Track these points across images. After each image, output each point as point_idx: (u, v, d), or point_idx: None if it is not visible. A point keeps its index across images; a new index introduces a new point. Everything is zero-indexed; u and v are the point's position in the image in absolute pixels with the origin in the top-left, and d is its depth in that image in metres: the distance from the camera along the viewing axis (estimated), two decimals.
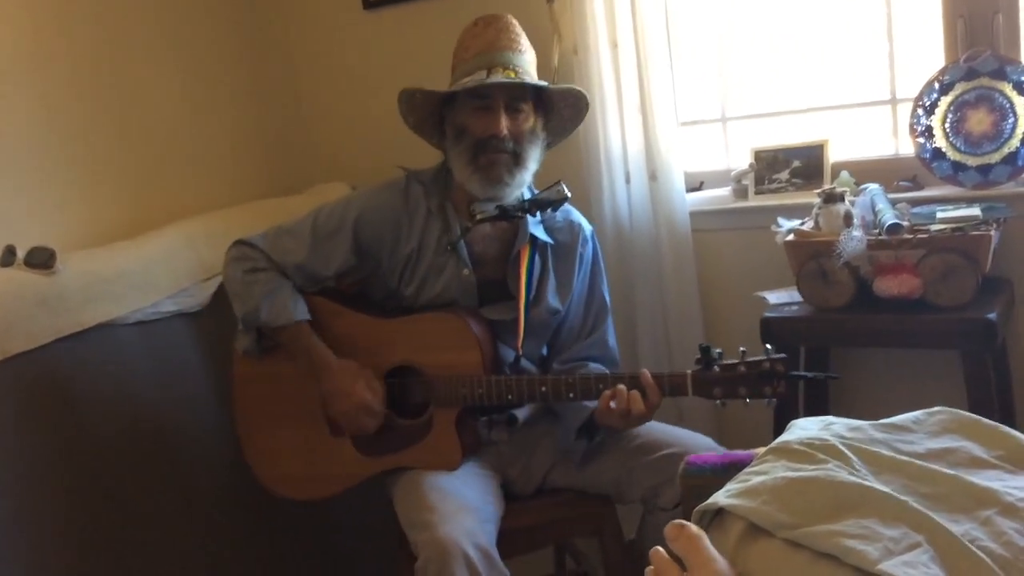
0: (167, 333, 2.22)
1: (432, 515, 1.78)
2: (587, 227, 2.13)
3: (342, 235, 2.03)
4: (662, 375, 1.84)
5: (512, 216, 1.95)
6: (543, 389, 1.90)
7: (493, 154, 1.92)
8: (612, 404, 1.83)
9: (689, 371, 1.82)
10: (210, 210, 2.50)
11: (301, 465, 2.06)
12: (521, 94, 1.93)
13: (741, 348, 1.81)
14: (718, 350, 1.82)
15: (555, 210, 1.99)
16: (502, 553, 1.82)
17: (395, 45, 2.81)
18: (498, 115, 1.91)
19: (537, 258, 2.04)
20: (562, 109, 2.04)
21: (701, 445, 1.95)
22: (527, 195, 2.02)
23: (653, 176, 2.44)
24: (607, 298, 2.15)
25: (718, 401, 1.82)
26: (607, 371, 2.02)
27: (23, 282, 1.93)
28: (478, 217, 1.92)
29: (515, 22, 2.01)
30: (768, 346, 1.82)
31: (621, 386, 1.83)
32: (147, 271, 2.16)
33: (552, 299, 2.05)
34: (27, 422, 1.92)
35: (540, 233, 2.04)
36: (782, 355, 1.78)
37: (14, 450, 1.89)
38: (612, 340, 2.14)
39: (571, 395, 1.89)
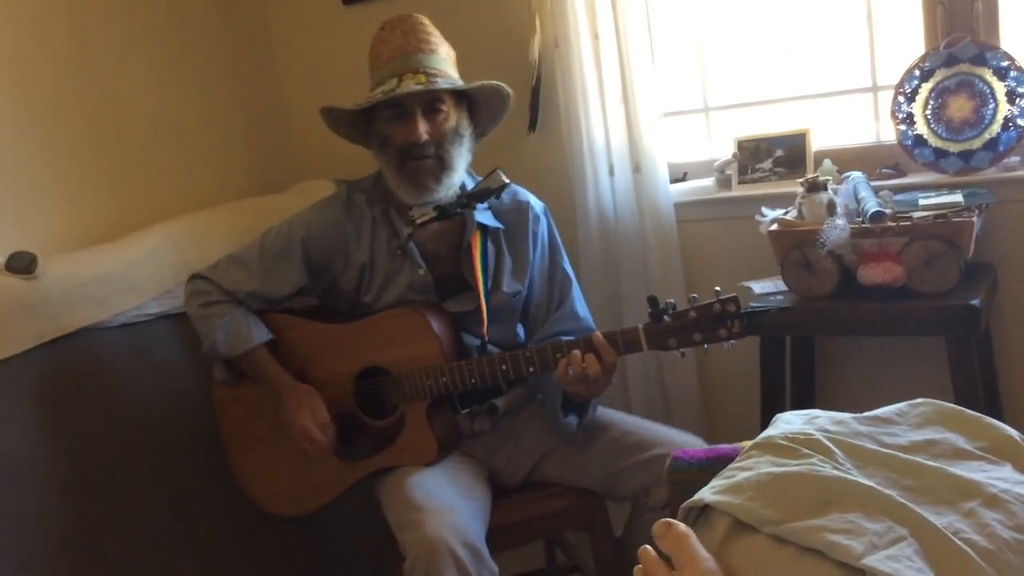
0: (152, 335, 2.21)
1: (418, 514, 1.78)
2: (536, 204, 2.12)
3: (292, 257, 2.05)
4: (615, 333, 1.84)
5: (452, 214, 1.95)
6: (503, 367, 1.90)
7: (416, 160, 1.92)
8: (569, 371, 1.82)
9: (640, 325, 1.82)
10: (193, 210, 2.48)
11: (288, 482, 2.07)
12: (436, 96, 1.92)
13: (692, 295, 1.81)
14: (669, 300, 1.81)
15: (497, 197, 1.98)
16: (492, 548, 1.82)
17: None
18: (415, 121, 1.90)
19: (490, 244, 2.04)
20: (486, 100, 2.02)
21: (691, 444, 1.95)
22: (470, 185, 2.02)
23: (637, 168, 2.44)
24: (568, 270, 2.14)
25: (678, 351, 1.81)
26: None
27: (4, 288, 1.92)
28: (418, 221, 1.92)
29: (423, 21, 1.99)
30: (717, 288, 1.80)
31: (575, 351, 1.83)
32: (130, 273, 2.15)
33: (511, 280, 2.05)
34: (12, 428, 1.90)
35: (488, 219, 2.04)
36: (732, 295, 1.77)
37: (0, 456, 1.88)
38: (582, 310, 2.13)
39: (531, 369, 1.89)
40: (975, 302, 1.94)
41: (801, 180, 2.18)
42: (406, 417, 1.98)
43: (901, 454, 1.00)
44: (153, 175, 2.50)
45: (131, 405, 2.15)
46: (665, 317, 1.79)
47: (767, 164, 2.44)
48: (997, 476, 0.96)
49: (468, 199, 1.95)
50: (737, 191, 2.46)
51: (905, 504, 0.91)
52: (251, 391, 2.08)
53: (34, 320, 1.95)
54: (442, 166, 1.94)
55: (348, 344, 2.02)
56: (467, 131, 1.99)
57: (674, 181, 2.53)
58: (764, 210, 2.25)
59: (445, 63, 1.97)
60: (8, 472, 1.89)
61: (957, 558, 0.86)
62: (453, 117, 1.96)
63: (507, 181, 1.94)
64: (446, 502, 1.82)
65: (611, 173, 2.47)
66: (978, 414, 1.06)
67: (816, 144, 2.41)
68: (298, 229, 2.06)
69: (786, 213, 2.20)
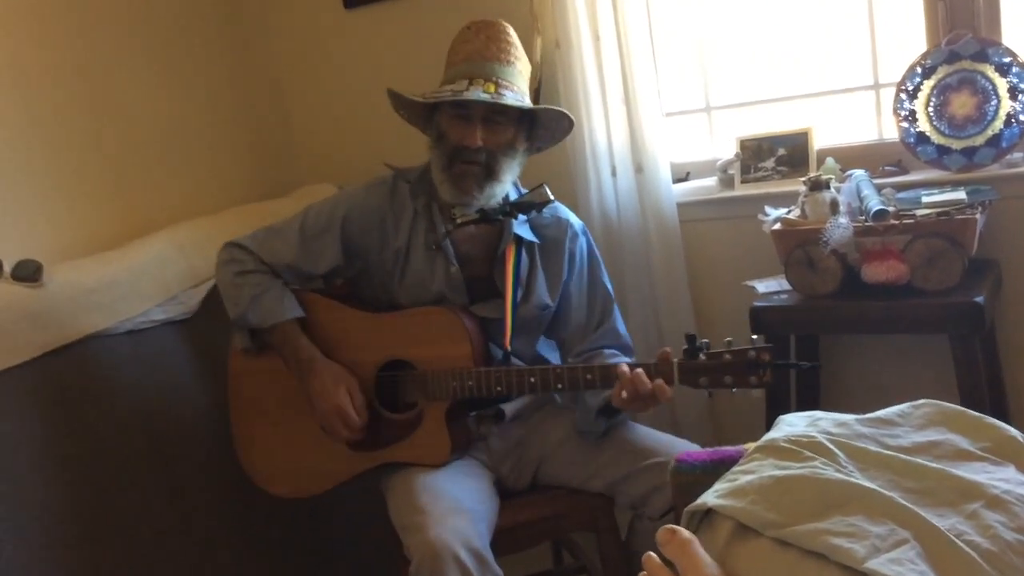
0: (157, 341, 2.22)
1: (423, 517, 1.78)
2: (576, 223, 2.13)
3: (330, 235, 2.05)
4: (649, 365, 1.83)
5: (493, 220, 1.96)
6: (532, 380, 1.90)
7: (465, 164, 1.93)
8: (623, 394, 1.80)
9: (675, 360, 1.81)
10: (197, 216, 2.49)
11: (292, 461, 2.06)
12: (500, 108, 1.92)
13: (727, 338, 1.80)
14: (704, 340, 1.81)
15: (539, 212, 2.00)
16: (499, 550, 1.83)
17: (377, 43, 2.80)
18: (474, 126, 1.91)
19: (525, 256, 2.05)
20: (547, 122, 2.02)
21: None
22: (513, 195, 2.02)
23: (639, 168, 2.44)
24: (610, 288, 2.15)
25: (706, 391, 1.81)
26: (608, 360, 2.02)
27: (10, 296, 1.93)
28: (459, 220, 1.93)
29: (509, 30, 2.00)
30: (755, 336, 1.82)
31: (633, 370, 1.80)
32: (135, 280, 2.16)
33: (542, 295, 2.06)
34: (19, 436, 1.91)
35: (525, 232, 2.04)
36: (768, 344, 1.77)
37: (7, 464, 1.88)
38: (622, 328, 2.14)
39: (559, 386, 1.89)
40: (979, 299, 1.94)
41: (804, 179, 2.18)
42: (424, 415, 1.98)
43: (903, 456, 1.00)
44: (157, 181, 2.51)
45: (137, 411, 2.15)
46: (701, 355, 1.79)
47: (769, 163, 2.44)
48: (1000, 477, 0.96)
49: (511, 208, 1.96)
50: (740, 190, 2.46)
51: (907, 506, 0.91)
52: (269, 365, 2.06)
53: (40, 328, 1.96)
54: (488, 174, 1.94)
55: (378, 333, 2.01)
56: (522, 146, 2.00)
57: (677, 181, 2.53)
58: (767, 209, 2.25)
59: (519, 77, 1.97)
60: (15, 479, 1.90)
61: (960, 560, 0.86)
62: (511, 131, 1.96)
63: (552, 198, 1.95)
64: (451, 506, 1.82)
65: (613, 174, 2.47)
66: (980, 415, 1.06)
67: (818, 142, 2.40)
68: (340, 208, 2.06)
69: (789, 212, 2.20)
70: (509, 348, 1.99)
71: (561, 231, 2.09)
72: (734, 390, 1.79)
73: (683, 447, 1.96)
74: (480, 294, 2.04)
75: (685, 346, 1.81)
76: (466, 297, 2.04)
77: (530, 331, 2.09)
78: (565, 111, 2.02)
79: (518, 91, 1.95)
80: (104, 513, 2.04)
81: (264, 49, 2.92)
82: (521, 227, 2.03)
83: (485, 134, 1.92)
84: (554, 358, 2.17)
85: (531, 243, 2.06)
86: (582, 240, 2.13)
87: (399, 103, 2.03)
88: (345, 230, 2.05)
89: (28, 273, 1.96)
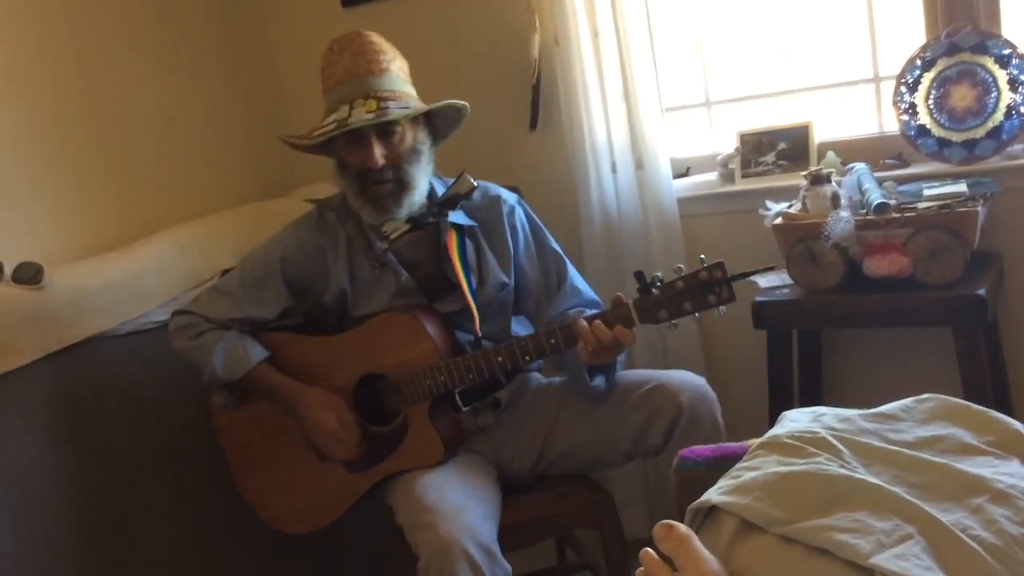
0: (159, 342, 2.20)
1: (430, 515, 1.78)
2: (509, 196, 2.12)
3: (272, 280, 2.05)
4: (606, 312, 1.83)
5: (425, 224, 1.97)
6: (500, 359, 1.90)
7: (375, 185, 1.92)
8: (588, 348, 1.81)
9: (630, 300, 1.82)
10: (197, 216, 2.49)
11: (297, 499, 2.07)
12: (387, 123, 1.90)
13: (678, 265, 1.82)
14: (656, 273, 1.81)
15: (467, 199, 1.99)
16: (502, 547, 1.83)
17: None
18: (370, 147, 1.90)
19: (468, 243, 2.05)
20: (443, 111, 2.00)
21: (675, 377, 1.98)
22: (440, 188, 2.02)
23: (639, 164, 2.44)
24: (557, 249, 2.14)
25: (669, 323, 1.81)
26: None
27: (11, 299, 1.93)
28: (392, 236, 1.93)
29: (373, 38, 1.97)
30: (702, 256, 1.81)
31: (587, 323, 1.81)
32: (136, 282, 2.16)
33: (497, 274, 2.06)
34: (21, 439, 1.91)
35: (461, 219, 2.04)
36: (718, 261, 1.77)
37: (10, 468, 1.88)
38: (582, 284, 2.13)
39: (527, 357, 1.89)
40: (981, 292, 1.94)
41: (804, 173, 2.18)
42: (409, 420, 1.98)
43: (907, 451, 1.00)
44: (157, 183, 2.51)
45: (139, 413, 2.15)
46: (653, 290, 1.79)
47: (770, 157, 2.44)
48: (1004, 471, 0.95)
49: (439, 208, 1.96)
50: (740, 185, 2.45)
51: (912, 501, 0.91)
52: (252, 413, 2.08)
53: (41, 331, 1.96)
54: (402, 188, 1.93)
55: (344, 354, 2.02)
56: (425, 144, 1.99)
57: (677, 176, 2.52)
58: (768, 203, 2.25)
59: (397, 81, 1.95)
60: (18, 481, 1.90)
61: (965, 555, 0.86)
62: (409, 135, 1.94)
63: (475, 183, 1.95)
64: (457, 502, 1.82)
65: (614, 170, 2.47)
66: (984, 408, 1.05)
67: (819, 136, 2.40)
68: (275, 251, 2.06)
69: (790, 206, 2.20)
70: (480, 334, 1.99)
71: (496, 208, 2.08)
72: (697, 315, 1.80)
73: (675, 377, 1.99)
74: (438, 292, 2.04)
75: (637, 285, 1.81)
76: (424, 299, 2.04)
77: (497, 312, 2.09)
78: (453, 102, 1.98)
79: (400, 96, 1.92)
80: (107, 515, 2.04)
81: (263, 49, 2.92)
82: (455, 215, 2.03)
83: (384, 149, 1.90)
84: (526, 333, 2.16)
85: (470, 227, 2.06)
86: (519, 211, 2.12)
87: (292, 146, 2.02)
88: (286, 272, 2.05)
89: (29, 275, 1.96)
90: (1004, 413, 1.06)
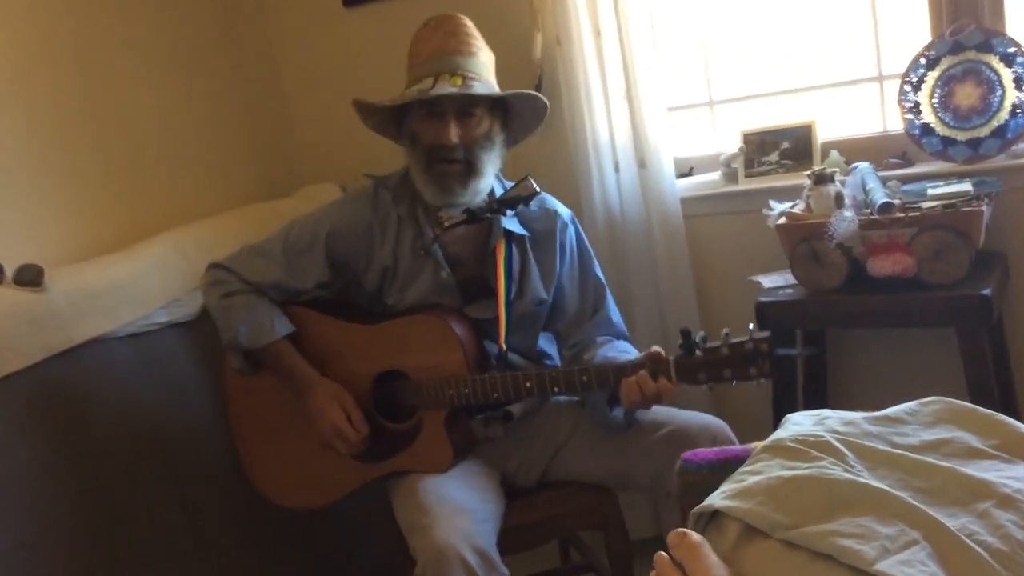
0: (160, 344, 2.21)
1: (428, 519, 1.77)
2: (564, 212, 2.11)
3: (315, 251, 2.03)
4: (641, 362, 1.81)
5: (480, 218, 1.94)
6: (528, 385, 1.88)
7: (444, 163, 1.90)
8: (631, 398, 1.79)
9: (672, 357, 1.79)
10: (199, 217, 2.48)
11: (297, 474, 2.06)
12: (472, 99, 1.90)
13: (725, 330, 1.78)
14: (701, 333, 1.80)
15: (526, 205, 1.97)
16: (506, 550, 1.82)
17: (377, 41, 2.79)
18: (447, 123, 1.89)
19: (515, 252, 2.03)
20: (521, 110, 2.00)
21: (694, 422, 1.95)
22: (499, 190, 2.01)
23: (642, 163, 2.43)
24: (601, 277, 2.13)
25: (705, 386, 1.79)
26: (603, 349, 2.00)
27: (12, 301, 1.92)
28: (446, 224, 1.92)
29: (467, 22, 1.97)
30: (752, 325, 1.78)
31: (638, 374, 1.78)
32: (138, 283, 2.15)
33: (537, 289, 2.04)
34: (22, 442, 1.91)
35: (515, 227, 2.02)
36: (766, 333, 1.75)
37: (11, 470, 1.88)
38: (616, 316, 2.12)
39: (555, 389, 1.88)
40: (986, 292, 1.93)
41: (808, 172, 2.16)
42: (424, 423, 1.96)
43: (912, 454, 0.99)
44: (158, 184, 2.50)
45: (141, 414, 2.15)
46: (697, 351, 1.77)
47: (773, 157, 2.43)
48: (1010, 475, 0.95)
49: (498, 205, 1.94)
50: (744, 184, 2.44)
51: (917, 506, 0.90)
52: (266, 383, 2.06)
53: (43, 333, 1.95)
54: (470, 171, 1.92)
55: (370, 345, 1.99)
56: (499, 137, 1.97)
57: (680, 176, 2.51)
58: (771, 203, 2.24)
59: (484, 68, 1.94)
60: (19, 483, 1.89)
61: (971, 561, 0.85)
62: (486, 123, 1.93)
63: (538, 189, 1.93)
64: (457, 506, 1.81)
65: (616, 170, 2.46)
66: (990, 412, 1.05)
67: (822, 135, 2.39)
68: (323, 224, 2.04)
69: (793, 206, 2.19)
70: (505, 348, 1.97)
71: (551, 222, 2.07)
72: (735, 383, 1.77)
73: (694, 421, 1.95)
74: (474, 295, 2.02)
75: (680, 341, 1.79)
76: (459, 300, 2.02)
77: (528, 326, 2.07)
78: (537, 94, 1.99)
79: (485, 82, 1.92)
80: (109, 517, 2.04)
81: (264, 50, 2.92)
82: (510, 222, 2.01)
83: (460, 130, 1.89)
84: (553, 350, 2.16)
85: (521, 237, 2.04)
86: (571, 229, 2.11)
87: (365, 113, 2.00)
88: (330, 246, 2.03)
89: (30, 277, 1.96)
90: (1009, 413, 1.06)
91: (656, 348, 1.82)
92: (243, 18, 2.85)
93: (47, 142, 2.24)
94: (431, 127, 1.91)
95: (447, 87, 1.85)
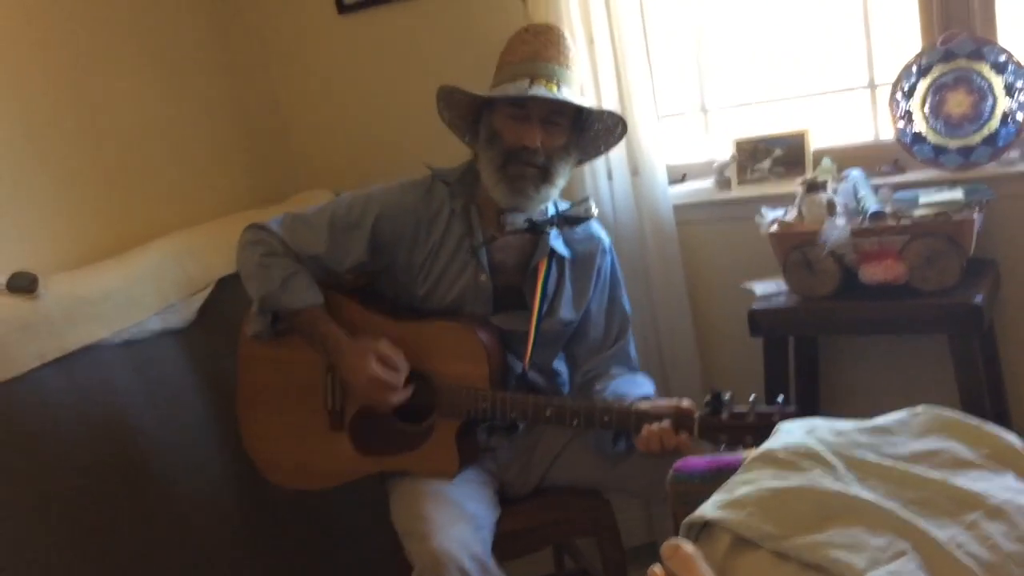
0: (154, 351, 2.21)
1: (426, 525, 1.77)
2: (606, 240, 2.12)
3: (360, 231, 2.00)
4: (670, 414, 1.81)
5: (540, 231, 1.95)
6: (547, 413, 1.88)
7: (523, 166, 1.89)
8: (650, 447, 1.81)
9: (697, 414, 1.80)
10: (193, 224, 2.49)
11: (296, 454, 2.04)
12: (559, 109, 1.90)
13: (752, 395, 1.78)
14: (727, 394, 1.80)
15: (576, 226, 1.99)
16: (501, 555, 1.83)
17: (371, 49, 2.79)
18: (533, 126, 1.88)
19: (554, 270, 2.03)
20: (597, 132, 2.01)
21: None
22: (558, 206, 2.01)
23: (635, 171, 2.44)
24: (628, 309, 2.14)
25: (722, 447, 1.79)
26: (626, 392, 2.00)
27: (6, 308, 1.92)
28: (508, 229, 1.91)
29: (567, 36, 1.98)
30: (780, 398, 1.80)
31: (660, 425, 1.80)
32: (131, 289, 2.15)
33: (566, 310, 2.04)
34: (14, 449, 1.91)
35: (560, 246, 2.03)
36: (792, 408, 1.75)
37: (4, 476, 1.88)
38: (634, 352, 2.13)
39: (575, 422, 1.87)
40: (978, 299, 1.93)
41: (800, 180, 2.17)
42: (435, 429, 1.96)
43: (903, 465, 1.00)
44: (152, 190, 2.50)
45: (135, 421, 2.15)
46: (724, 413, 1.78)
47: (766, 164, 2.43)
48: (999, 485, 0.95)
49: (560, 220, 1.95)
50: (736, 192, 2.45)
51: (907, 518, 0.91)
52: (278, 354, 2.04)
53: (36, 340, 1.95)
54: (545, 177, 1.91)
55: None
56: (572, 155, 1.98)
57: (673, 183, 2.52)
58: (764, 210, 2.24)
59: (575, 83, 1.95)
60: (13, 490, 1.89)
61: (960, 572, 0.86)
62: (566, 135, 1.94)
63: (595, 213, 1.95)
64: (454, 514, 1.81)
65: (609, 177, 2.47)
66: (980, 421, 1.05)
67: (815, 143, 2.39)
68: (374, 205, 2.01)
69: (786, 213, 2.20)
70: (528, 366, 1.98)
71: (593, 247, 2.08)
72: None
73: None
74: (507, 305, 2.02)
75: (707, 399, 1.79)
76: (490, 307, 2.01)
77: (551, 344, 2.07)
78: (621, 116, 2.00)
79: (575, 96, 1.92)
80: (101, 524, 2.03)
81: (258, 56, 2.92)
82: (556, 241, 2.01)
83: (543, 135, 1.89)
84: (563, 368, 2.16)
85: (562, 257, 2.04)
86: (609, 258, 2.12)
87: (449, 101, 1.98)
88: (376, 229, 2.00)
89: (23, 284, 1.96)
90: (1000, 420, 1.07)
91: (687, 403, 1.82)
92: (238, 25, 2.85)
93: (40, 149, 2.23)
94: (515, 128, 1.90)
95: (542, 90, 1.85)
